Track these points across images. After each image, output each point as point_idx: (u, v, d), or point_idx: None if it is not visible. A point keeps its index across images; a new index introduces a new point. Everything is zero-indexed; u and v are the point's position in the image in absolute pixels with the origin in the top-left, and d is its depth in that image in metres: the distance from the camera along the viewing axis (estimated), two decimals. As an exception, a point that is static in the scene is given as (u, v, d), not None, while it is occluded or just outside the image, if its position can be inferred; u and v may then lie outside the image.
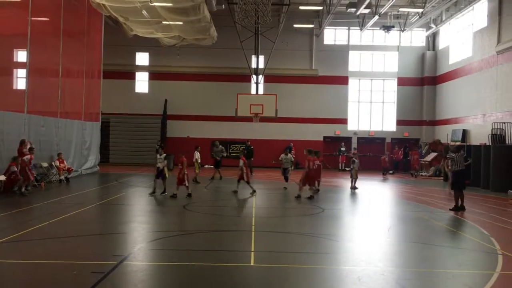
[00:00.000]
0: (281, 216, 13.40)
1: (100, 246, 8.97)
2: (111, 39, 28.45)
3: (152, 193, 15.72)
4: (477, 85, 27.07)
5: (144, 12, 20.57)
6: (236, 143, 33.49)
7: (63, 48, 20.62)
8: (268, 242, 9.67)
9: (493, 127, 23.36)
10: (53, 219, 11.12)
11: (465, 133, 28.20)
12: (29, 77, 17.89)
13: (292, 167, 20.03)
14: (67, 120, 21.69)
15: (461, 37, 29.83)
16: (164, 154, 16.09)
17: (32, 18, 17.83)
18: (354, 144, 33.85)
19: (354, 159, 20.11)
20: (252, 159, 27.44)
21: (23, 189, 15.21)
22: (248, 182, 16.95)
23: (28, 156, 15.95)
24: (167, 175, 15.99)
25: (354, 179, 19.66)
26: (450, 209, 14.20)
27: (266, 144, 32.27)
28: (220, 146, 22.52)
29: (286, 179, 19.31)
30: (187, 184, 15.46)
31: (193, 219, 12.38)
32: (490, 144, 22.55)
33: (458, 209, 14.08)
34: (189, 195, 15.42)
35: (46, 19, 20.24)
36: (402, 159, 31.71)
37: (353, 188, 19.61)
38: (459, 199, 14.21)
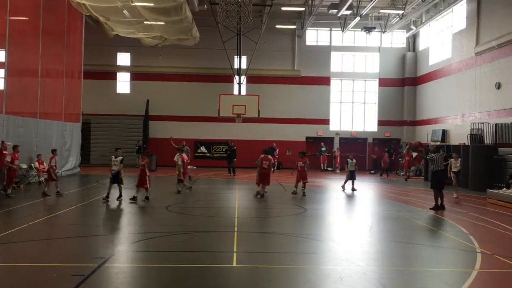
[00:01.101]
0: (264, 217, 13.41)
1: (80, 249, 8.86)
2: (91, 39, 28.15)
3: (106, 198, 14.46)
4: (456, 86, 27.48)
5: (125, 12, 20.41)
6: (219, 143, 33.49)
7: (43, 48, 20.33)
8: (250, 243, 9.67)
9: (472, 127, 23.76)
10: (32, 221, 10.96)
11: (444, 133, 28.62)
12: (7, 77, 17.58)
13: (274, 169, 18.53)
14: (47, 121, 21.37)
15: (440, 38, 30.26)
16: (121, 157, 14.75)
17: (11, 18, 17.55)
18: (337, 144, 34.10)
19: (348, 159, 19.51)
20: (235, 159, 27.46)
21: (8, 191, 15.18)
22: (182, 180, 17.16)
23: (54, 160, 16.42)
24: (123, 179, 14.89)
25: (347, 179, 19.30)
26: (431, 208, 14.40)
27: (248, 145, 32.25)
28: (186, 147, 22.25)
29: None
30: (147, 187, 14.69)
31: (175, 220, 12.31)
32: (469, 144, 22.92)
33: (438, 208, 14.29)
34: (147, 198, 14.63)
35: (25, 18, 19.93)
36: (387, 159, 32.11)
37: (352, 189, 19.07)
38: (439, 198, 14.42)
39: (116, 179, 14.66)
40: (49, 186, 15.92)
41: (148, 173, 14.91)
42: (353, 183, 19.29)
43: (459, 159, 18.42)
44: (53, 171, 16.09)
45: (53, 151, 16.90)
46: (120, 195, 14.77)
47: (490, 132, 23.00)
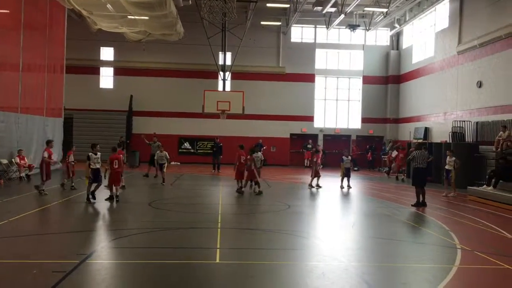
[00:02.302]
0: (247, 213, 13.41)
1: (62, 245, 8.77)
2: (74, 33, 27.76)
3: (91, 199, 13.46)
4: (438, 84, 27.79)
5: (108, 6, 20.19)
6: (203, 140, 33.38)
7: (24, 41, 20.00)
8: (234, 239, 9.67)
9: (454, 125, 24.06)
10: (12, 217, 10.80)
11: (427, 130, 28.94)
12: (-13, 71, 17.30)
13: (261, 165, 17.90)
14: (28, 115, 21.06)
15: (423, 37, 30.55)
16: (99, 153, 13.88)
17: (-9, 10, 17.26)
18: (321, 141, 34.24)
19: (343, 156, 19.55)
20: (221, 156, 27.21)
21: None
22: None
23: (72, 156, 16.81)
24: (103, 178, 13.94)
25: (343, 177, 19.38)
26: (412, 205, 14.56)
27: (233, 141, 32.15)
28: (158, 143, 21.96)
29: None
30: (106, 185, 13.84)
31: (158, 217, 12.24)
32: (451, 141, 23.21)
33: (419, 204, 14.44)
34: (110, 197, 13.67)
35: (5, 11, 19.60)
36: (370, 157, 32.50)
37: (348, 187, 19.26)
38: (421, 195, 14.58)
39: (97, 177, 13.63)
40: (71, 180, 16.31)
41: (106, 169, 13.97)
42: (348, 181, 19.41)
43: (453, 157, 18.03)
44: (72, 166, 16.49)
45: (71, 147, 17.28)
46: (94, 196, 13.60)
47: (471, 130, 23.33)
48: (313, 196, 17.58)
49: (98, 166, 13.72)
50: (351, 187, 19.30)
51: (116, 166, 13.72)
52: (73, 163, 16.63)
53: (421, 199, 14.55)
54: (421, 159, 14.69)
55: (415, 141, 27.14)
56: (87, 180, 13.62)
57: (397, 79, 34.45)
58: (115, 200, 13.64)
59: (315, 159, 19.27)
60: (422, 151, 14.94)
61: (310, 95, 34.63)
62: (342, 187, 19.32)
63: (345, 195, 17.84)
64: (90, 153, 13.69)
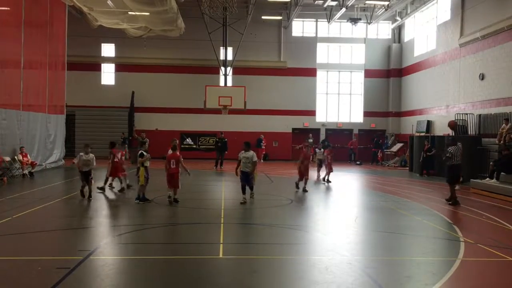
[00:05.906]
0: (250, 208, 13.40)
1: (65, 242, 8.79)
2: (75, 29, 27.74)
3: (141, 201, 12.95)
4: (441, 77, 27.70)
5: (109, 2, 20.18)
6: (205, 135, 33.39)
7: (25, 38, 20.00)
8: (236, 234, 9.69)
9: (456, 118, 23.99)
10: (16, 215, 10.83)
11: (429, 124, 28.87)
12: (-11, 69, 17.31)
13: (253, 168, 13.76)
14: (30, 113, 21.10)
15: (425, 30, 30.42)
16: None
17: (-8, 8, 17.25)
18: (323, 135, 34.21)
19: (316, 149, 20.97)
20: (226, 151, 26.83)
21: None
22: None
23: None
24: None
25: (319, 168, 20.35)
26: (451, 203, 13.73)
27: (235, 136, 32.17)
28: (146, 139, 21.67)
29: (251, 187, 13.94)
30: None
31: (160, 212, 12.25)
32: (453, 134, 23.13)
33: (450, 200, 13.83)
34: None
35: (6, 8, 19.59)
36: (373, 150, 32.51)
37: (321, 178, 20.18)
38: (453, 191, 13.88)
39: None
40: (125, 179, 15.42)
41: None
42: (318, 171, 20.28)
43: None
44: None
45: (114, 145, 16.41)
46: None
47: (474, 123, 23.26)
48: (316, 190, 17.56)
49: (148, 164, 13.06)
50: (322, 179, 19.90)
51: (174, 166, 12.99)
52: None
53: (452, 195, 13.84)
54: (459, 155, 13.83)
55: (417, 134, 27.12)
56: (143, 180, 12.88)
57: (399, 72, 34.35)
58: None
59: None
60: (458, 146, 14.02)
61: (311, 90, 34.56)
62: (320, 178, 19.93)
63: (347, 189, 17.81)
64: (142, 151, 13.07)
